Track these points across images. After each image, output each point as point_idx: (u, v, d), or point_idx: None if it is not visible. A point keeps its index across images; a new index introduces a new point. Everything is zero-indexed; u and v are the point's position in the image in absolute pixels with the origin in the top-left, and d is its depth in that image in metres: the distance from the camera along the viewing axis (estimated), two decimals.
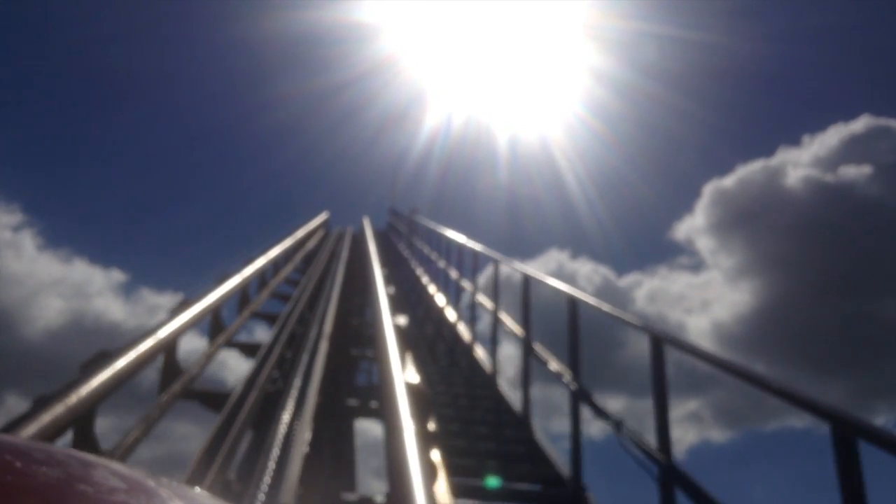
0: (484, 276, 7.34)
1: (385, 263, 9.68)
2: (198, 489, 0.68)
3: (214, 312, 5.71)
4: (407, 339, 4.98)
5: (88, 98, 45.77)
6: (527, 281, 5.18)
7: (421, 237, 12.87)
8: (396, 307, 6.13)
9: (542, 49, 37.74)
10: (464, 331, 7.29)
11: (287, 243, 11.00)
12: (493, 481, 4.35)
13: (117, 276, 40.57)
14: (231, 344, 6.00)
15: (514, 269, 5.67)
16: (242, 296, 7.22)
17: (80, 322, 34.58)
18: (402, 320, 5.90)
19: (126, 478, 0.58)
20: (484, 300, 6.68)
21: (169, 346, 3.94)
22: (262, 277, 8.53)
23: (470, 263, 7.53)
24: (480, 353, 6.65)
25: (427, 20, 40.34)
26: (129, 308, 36.51)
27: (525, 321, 5.13)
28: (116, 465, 0.62)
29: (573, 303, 4.33)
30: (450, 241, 9.23)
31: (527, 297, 5.15)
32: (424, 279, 11.04)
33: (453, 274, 8.44)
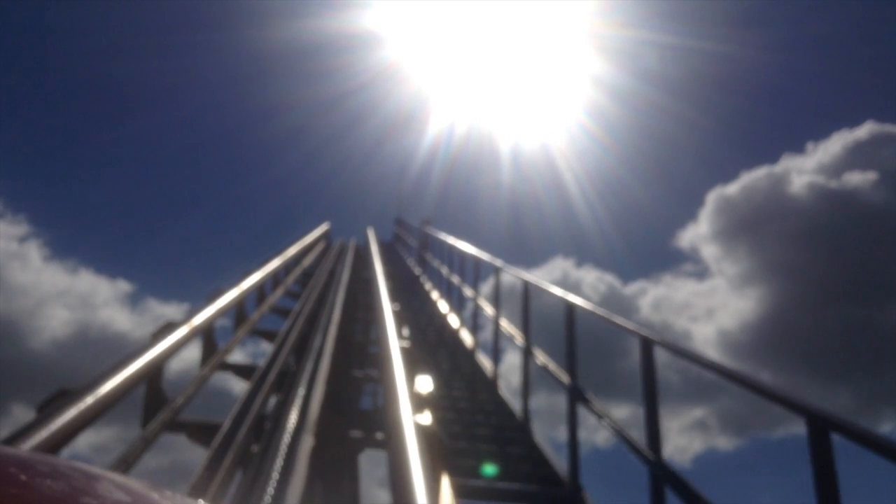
0: (530, 311, 5.35)
1: (395, 291, 7.74)
2: (201, 502, 0.75)
3: (151, 383, 3.87)
4: (440, 443, 3.06)
5: (95, 108, 44.84)
6: (649, 348, 3.18)
7: (437, 254, 10.86)
8: (415, 363, 4.24)
9: (544, 57, 37.32)
10: (511, 399, 5.29)
11: (276, 263, 9.06)
12: (489, 469, 4.20)
13: (123, 286, 40.21)
14: (174, 427, 4.08)
15: (614, 323, 3.67)
16: (206, 343, 5.32)
17: (87, 333, 34.41)
18: (426, 388, 4.01)
19: (130, 490, 0.58)
20: (542, 357, 4.68)
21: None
22: (239, 310, 6.65)
23: (503, 293, 5.50)
24: (542, 439, 4.62)
25: (430, 28, 39.50)
26: (135, 318, 36.29)
27: (651, 427, 3.09)
28: (120, 478, 0.62)
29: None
30: (478, 262, 7.21)
31: (650, 368, 3.15)
32: (443, 306, 9.04)
33: (486, 307, 6.41)
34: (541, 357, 4.54)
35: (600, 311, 3.66)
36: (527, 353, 4.75)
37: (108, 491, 0.55)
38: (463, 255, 8.19)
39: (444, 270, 9.48)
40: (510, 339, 5.38)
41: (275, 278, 9.18)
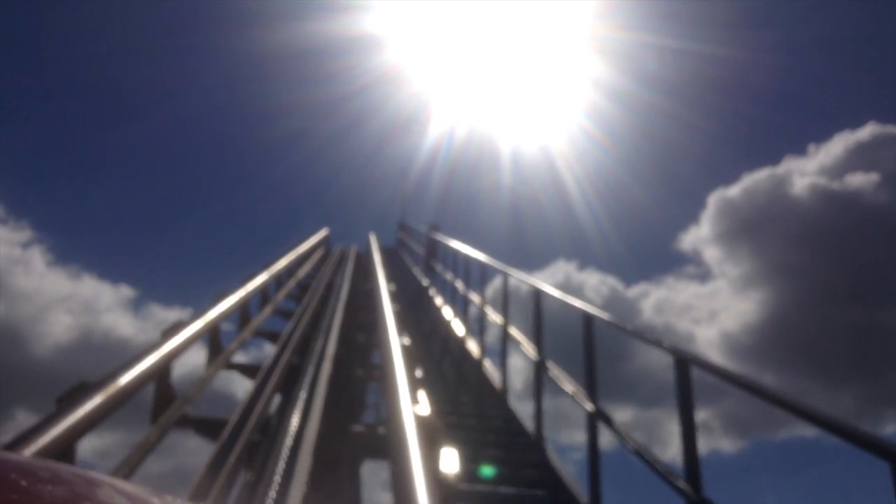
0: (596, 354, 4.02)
1: (402, 311, 6.45)
2: None
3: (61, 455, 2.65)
4: None
5: (97, 113, 44.15)
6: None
7: (448, 265, 9.50)
8: (437, 432, 3.01)
9: (545, 60, 37.10)
10: (562, 470, 3.89)
11: (263, 278, 7.76)
12: (487, 470, 4.12)
13: (126, 291, 39.80)
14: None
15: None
16: (158, 389, 4.06)
17: (89, 338, 33.57)
18: (452, 467, 2.82)
19: (131, 496, 0.58)
20: (633, 438, 3.29)
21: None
22: (212, 339, 5.39)
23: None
24: None
25: (431, 31, 38.88)
26: (138, 324, 35.63)
27: None
28: (121, 483, 0.61)
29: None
30: (506, 279, 5.83)
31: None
32: (458, 326, 7.71)
33: (523, 341, 5.02)
34: (631, 437, 3.15)
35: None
36: (595, 421, 3.39)
37: (110, 496, 0.55)
38: (483, 268, 6.82)
39: (459, 285, 8.12)
40: (559, 385, 4.04)
41: (263, 294, 7.92)
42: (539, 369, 4.40)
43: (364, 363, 5.81)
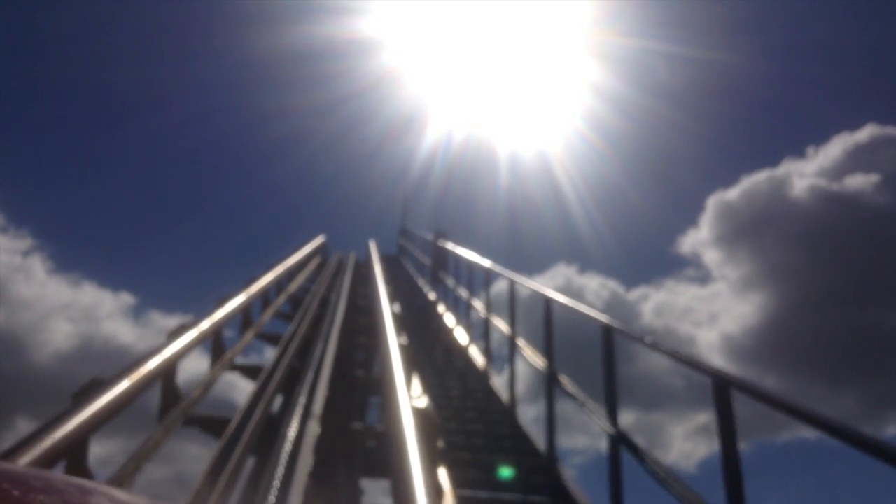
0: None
1: (412, 339, 5.20)
2: None
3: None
4: None
5: (97, 120, 43.64)
6: None
7: (463, 281, 8.20)
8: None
9: (543, 65, 36.50)
10: None
11: (242, 299, 6.50)
12: (506, 472, 4.07)
13: (126, 299, 39.37)
14: None
15: None
16: (66, 469, 2.81)
17: (90, 346, 33.78)
18: None
19: None
20: None
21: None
22: (165, 384, 4.15)
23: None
24: None
25: (429, 34, 38.36)
26: (138, 331, 35.58)
27: None
28: (115, 492, 0.60)
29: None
30: (548, 305, 4.46)
31: None
32: (473, 348, 6.43)
33: (602, 424, 3.59)
34: None
35: None
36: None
37: None
38: (513, 289, 5.46)
39: (479, 305, 6.81)
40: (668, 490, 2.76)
41: (244, 317, 6.69)
42: (616, 447, 3.06)
43: (362, 415, 4.55)
